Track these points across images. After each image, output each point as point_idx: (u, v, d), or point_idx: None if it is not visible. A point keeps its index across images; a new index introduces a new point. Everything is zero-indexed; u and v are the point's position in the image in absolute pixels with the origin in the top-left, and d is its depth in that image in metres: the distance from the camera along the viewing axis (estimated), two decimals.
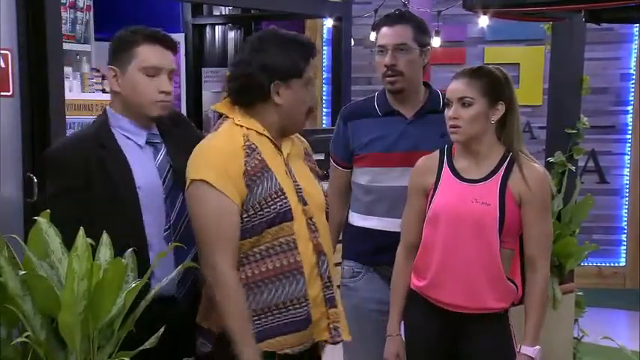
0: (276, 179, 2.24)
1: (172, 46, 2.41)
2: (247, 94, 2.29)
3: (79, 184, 2.25)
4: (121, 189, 2.29)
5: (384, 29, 2.86)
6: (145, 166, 2.35)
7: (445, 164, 2.61)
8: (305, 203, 2.29)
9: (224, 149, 2.23)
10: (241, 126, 2.27)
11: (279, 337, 2.24)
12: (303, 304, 2.24)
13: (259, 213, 2.21)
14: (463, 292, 2.53)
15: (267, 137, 2.28)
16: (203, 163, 2.21)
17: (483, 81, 2.52)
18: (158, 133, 2.43)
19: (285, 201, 2.23)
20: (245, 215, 2.21)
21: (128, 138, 2.37)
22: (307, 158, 2.46)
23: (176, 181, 2.35)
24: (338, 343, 2.34)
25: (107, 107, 2.42)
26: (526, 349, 2.55)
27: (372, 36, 3.11)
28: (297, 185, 2.30)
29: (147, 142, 2.39)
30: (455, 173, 2.59)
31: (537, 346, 2.56)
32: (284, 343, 2.24)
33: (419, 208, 2.64)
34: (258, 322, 2.23)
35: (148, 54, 2.34)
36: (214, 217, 2.18)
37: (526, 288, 2.59)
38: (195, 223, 2.23)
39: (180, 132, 2.49)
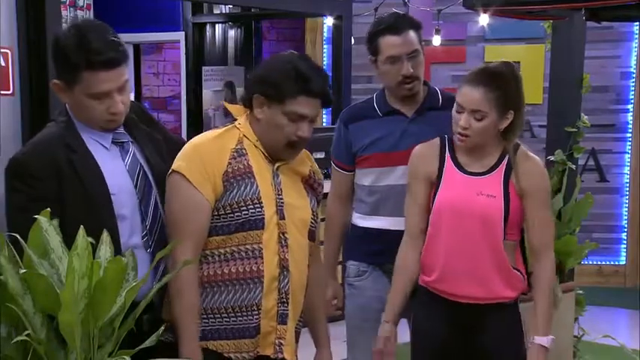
0: (257, 187, 2.25)
1: (118, 61, 2.15)
2: (243, 98, 2.34)
3: (51, 192, 2.10)
4: (94, 197, 2.15)
5: (392, 38, 2.83)
6: (114, 170, 2.21)
7: (447, 156, 2.60)
8: (282, 217, 2.28)
9: (209, 146, 2.26)
10: (240, 130, 2.32)
11: (224, 340, 2.24)
12: (255, 312, 2.25)
13: (229, 215, 2.23)
14: (475, 283, 2.52)
15: (259, 149, 2.30)
16: (186, 156, 2.25)
17: (498, 93, 2.48)
18: (124, 130, 2.29)
19: (259, 210, 2.24)
20: (216, 213, 2.24)
21: (93, 139, 2.22)
22: (309, 179, 2.42)
23: (149, 182, 2.28)
24: None
25: (67, 106, 2.24)
26: (540, 339, 2.54)
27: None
28: (280, 197, 2.29)
29: (113, 142, 2.25)
30: (458, 166, 2.58)
31: (551, 336, 2.55)
32: (227, 348, 2.25)
33: (420, 198, 2.62)
34: (206, 321, 2.25)
35: (92, 81, 2.12)
36: (183, 210, 2.22)
37: (532, 279, 2.59)
38: (166, 212, 2.27)
39: (149, 131, 2.37)
